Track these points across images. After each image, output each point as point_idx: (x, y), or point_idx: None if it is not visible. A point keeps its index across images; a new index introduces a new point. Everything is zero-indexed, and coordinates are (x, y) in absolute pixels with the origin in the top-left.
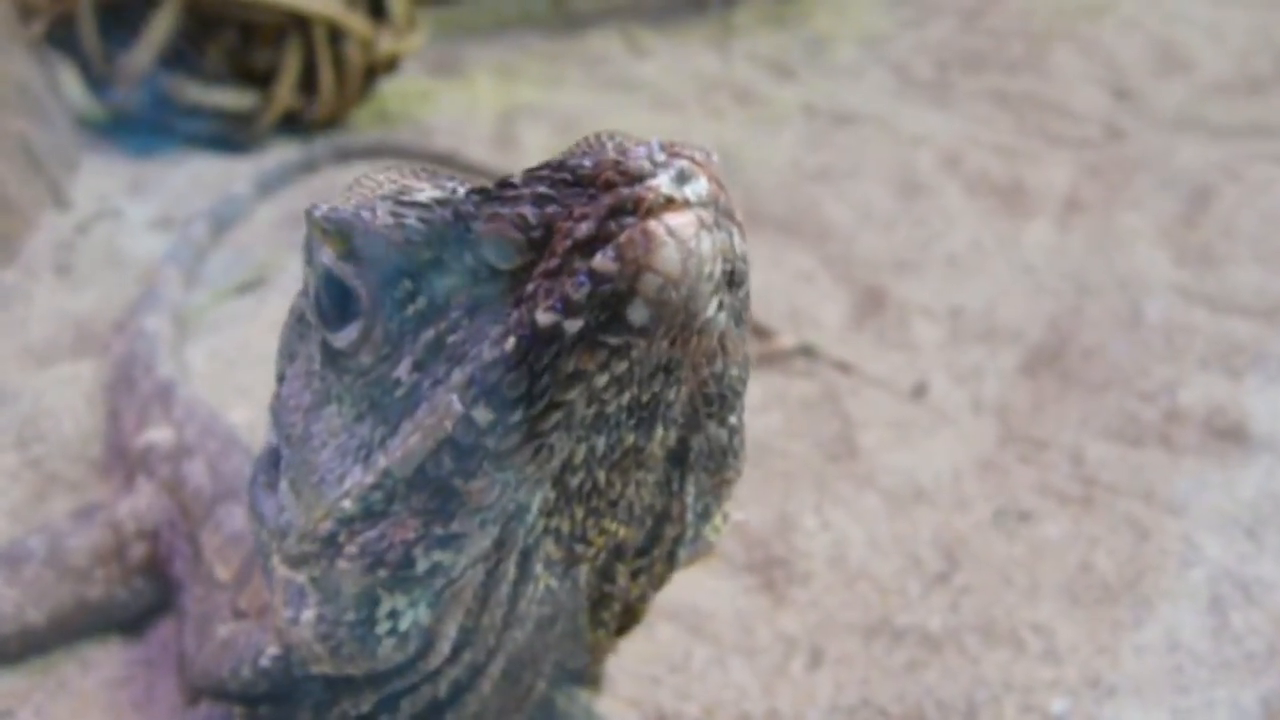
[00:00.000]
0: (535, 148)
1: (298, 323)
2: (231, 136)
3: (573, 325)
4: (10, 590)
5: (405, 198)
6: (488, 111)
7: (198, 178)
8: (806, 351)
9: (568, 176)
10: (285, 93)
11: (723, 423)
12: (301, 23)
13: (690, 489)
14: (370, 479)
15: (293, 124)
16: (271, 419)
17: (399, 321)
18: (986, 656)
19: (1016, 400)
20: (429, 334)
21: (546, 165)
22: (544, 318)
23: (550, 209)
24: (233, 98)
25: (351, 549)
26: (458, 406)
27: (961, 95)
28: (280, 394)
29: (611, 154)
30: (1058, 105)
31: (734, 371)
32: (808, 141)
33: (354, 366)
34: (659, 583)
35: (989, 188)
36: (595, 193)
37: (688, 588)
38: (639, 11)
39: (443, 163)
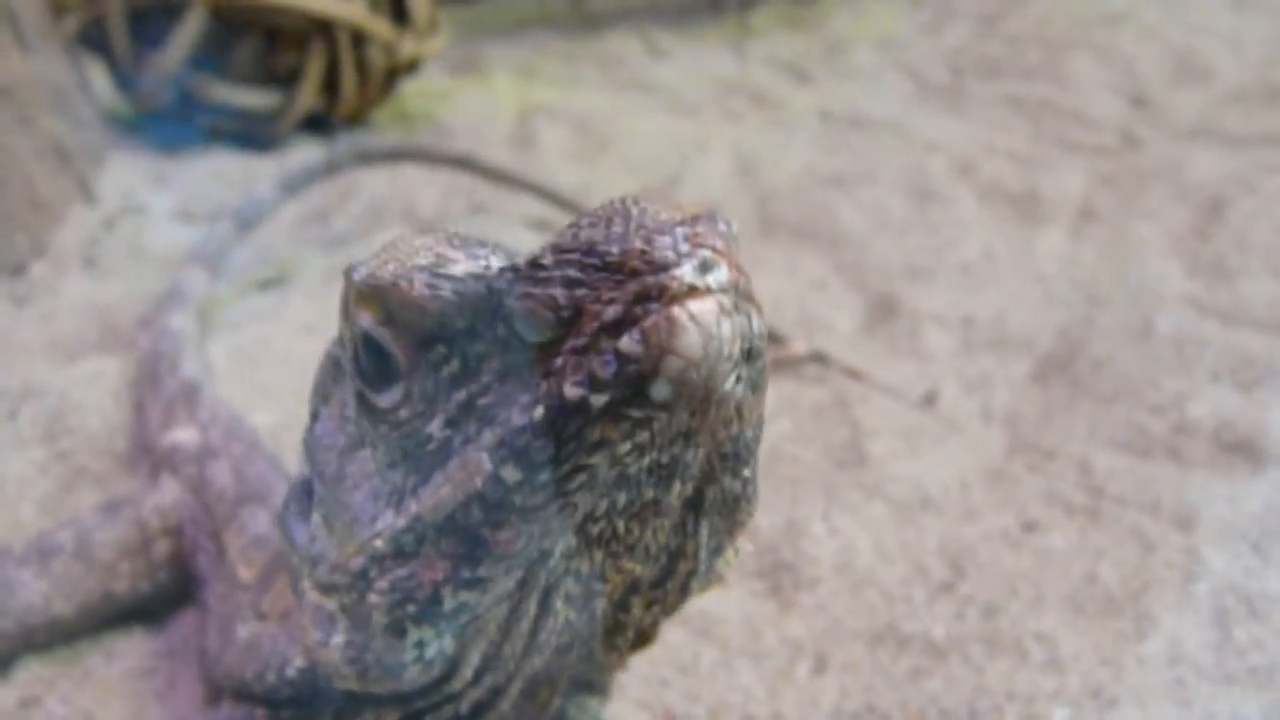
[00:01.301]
0: (553, 148)
1: (334, 367)
2: (255, 134)
3: (598, 400)
4: (40, 582)
5: (440, 270)
6: (506, 112)
7: (221, 174)
8: (818, 358)
9: (596, 262)
10: (308, 94)
11: (736, 475)
12: (326, 27)
13: (704, 531)
14: (402, 522)
15: (314, 123)
16: (304, 452)
17: (434, 381)
18: (990, 665)
19: (1026, 410)
20: (461, 395)
21: (576, 248)
22: (572, 391)
23: (579, 292)
24: (257, 98)
25: (382, 584)
26: (487, 465)
27: (977, 101)
28: (314, 431)
29: (638, 242)
30: (1074, 113)
31: (749, 433)
32: (823, 146)
33: (390, 419)
34: (671, 611)
35: (1003, 195)
36: (622, 278)
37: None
38: (656, 12)
39: (461, 165)
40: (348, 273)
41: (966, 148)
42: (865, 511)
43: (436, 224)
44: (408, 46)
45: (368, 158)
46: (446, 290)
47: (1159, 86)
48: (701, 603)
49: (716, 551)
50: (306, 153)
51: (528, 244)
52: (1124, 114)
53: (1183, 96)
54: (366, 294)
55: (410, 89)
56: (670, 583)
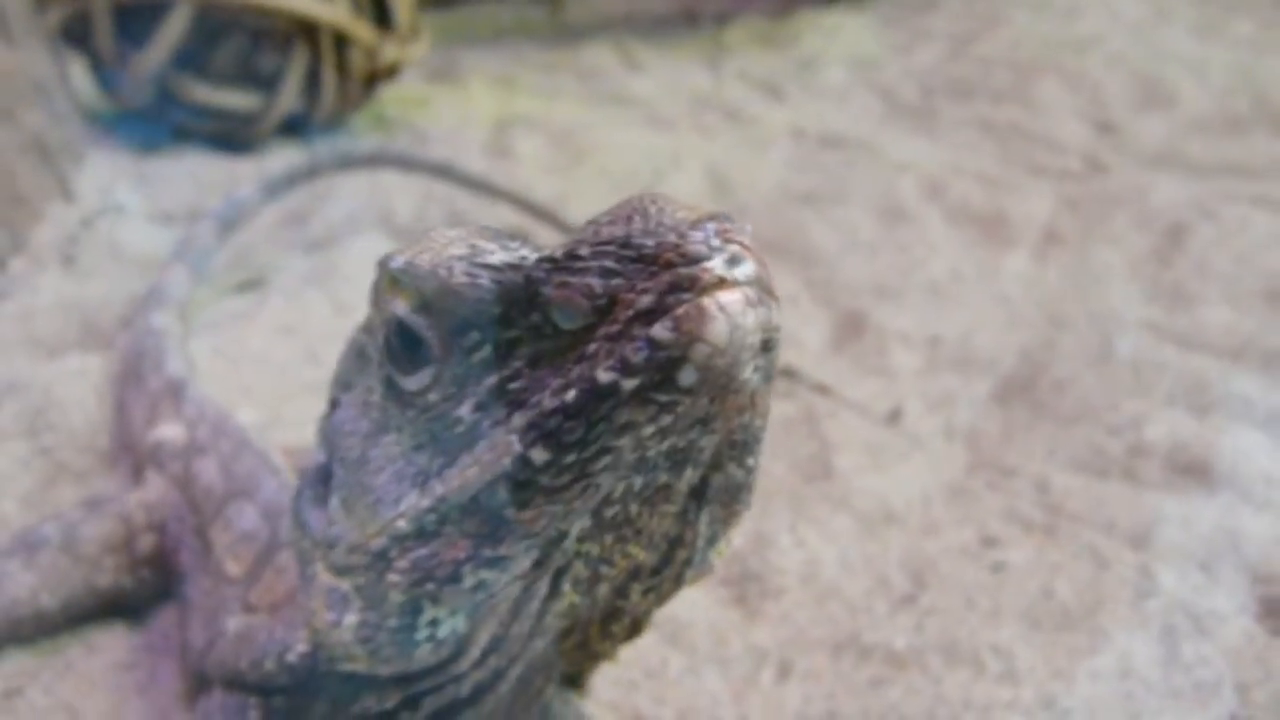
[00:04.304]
0: (529, 159)
1: (357, 356)
2: (233, 135)
3: (629, 384)
4: (27, 575)
5: (479, 259)
6: (483, 120)
7: (199, 175)
8: (787, 373)
9: (632, 254)
10: (288, 97)
11: (741, 464)
12: (309, 29)
13: (704, 519)
14: (426, 503)
15: (292, 126)
16: (321, 439)
17: (465, 367)
18: (948, 676)
19: (988, 428)
20: (492, 379)
21: (612, 240)
22: (604, 376)
23: (615, 281)
24: (237, 98)
25: (402, 564)
26: (517, 446)
27: (947, 123)
28: (334, 418)
29: (672, 237)
30: (1042, 137)
31: (758, 422)
32: (795, 164)
33: (419, 404)
34: (665, 599)
35: (970, 217)
36: (656, 270)
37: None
38: (633, 25)
39: (440, 173)
40: (383, 262)
41: (936, 168)
42: (831, 524)
43: (413, 230)
44: (390, 51)
45: (349, 162)
46: (485, 278)
47: (1125, 113)
48: (671, 609)
49: (711, 541)
50: (285, 155)
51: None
52: (1090, 139)
53: (1147, 123)
54: (404, 281)
55: (389, 95)
56: (668, 570)
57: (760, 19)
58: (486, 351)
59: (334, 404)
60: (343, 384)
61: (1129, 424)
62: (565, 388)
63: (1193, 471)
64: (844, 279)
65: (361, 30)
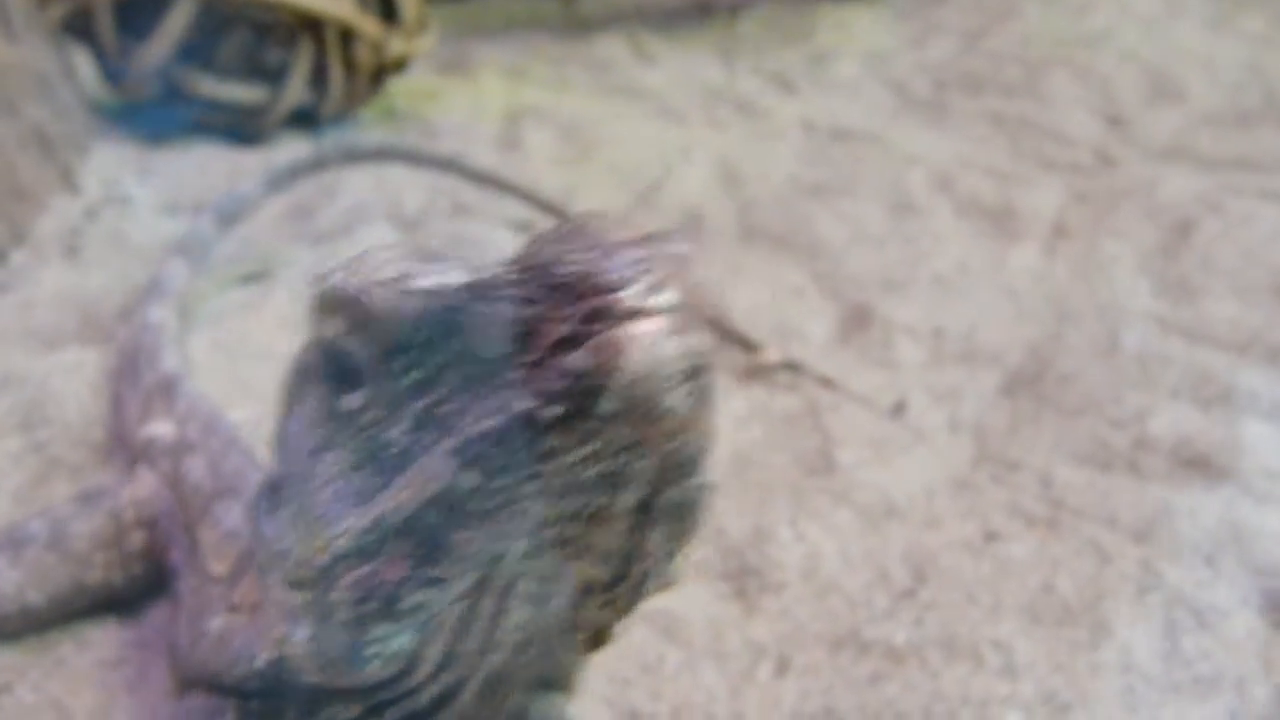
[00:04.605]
0: (539, 151)
1: (303, 371)
2: (241, 128)
3: (549, 412)
4: (13, 571)
5: (405, 283)
6: (494, 113)
7: (205, 167)
8: (791, 366)
9: (551, 282)
10: (295, 90)
11: (684, 486)
12: (314, 23)
13: (656, 537)
14: (365, 523)
15: (301, 118)
16: (276, 450)
17: (397, 389)
18: (946, 671)
19: (993, 422)
20: (422, 403)
21: (530, 268)
22: (524, 404)
23: (532, 310)
24: (244, 91)
25: (345, 582)
26: (445, 470)
27: (958, 116)
28: (286, 430)
29: (589, 265)
30: (1052, 130)
31: (694, 445)
32: (805, 157)
33: (355, 423)
34: (626, 612)
35: (979, 210)
36: (574, 298)
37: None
38: (646, 17)
39: (446, 167)
40: (314, 282)
41: (946, 162)
42: (832, 518)
43: (420, 223)
44: (396, 45)
45: (354, 156)
46: (409, 304)
47: (1135, 107)
48: (667, 604)
49: (669, 556)
50: (293, 148)
51: (511, 246)
52: (1100, 133)
53: (1158, 117)
54: (332, 304)
55: (398, 87)
56: (624, 585)
57: (774, 12)
58: (416, 375)
59: (286, 414)
60: (293, 395)
61: (1134, 417)
62: (488, 414)
63: (1197, 465)
64: (851, 271)
65: (367, 24)
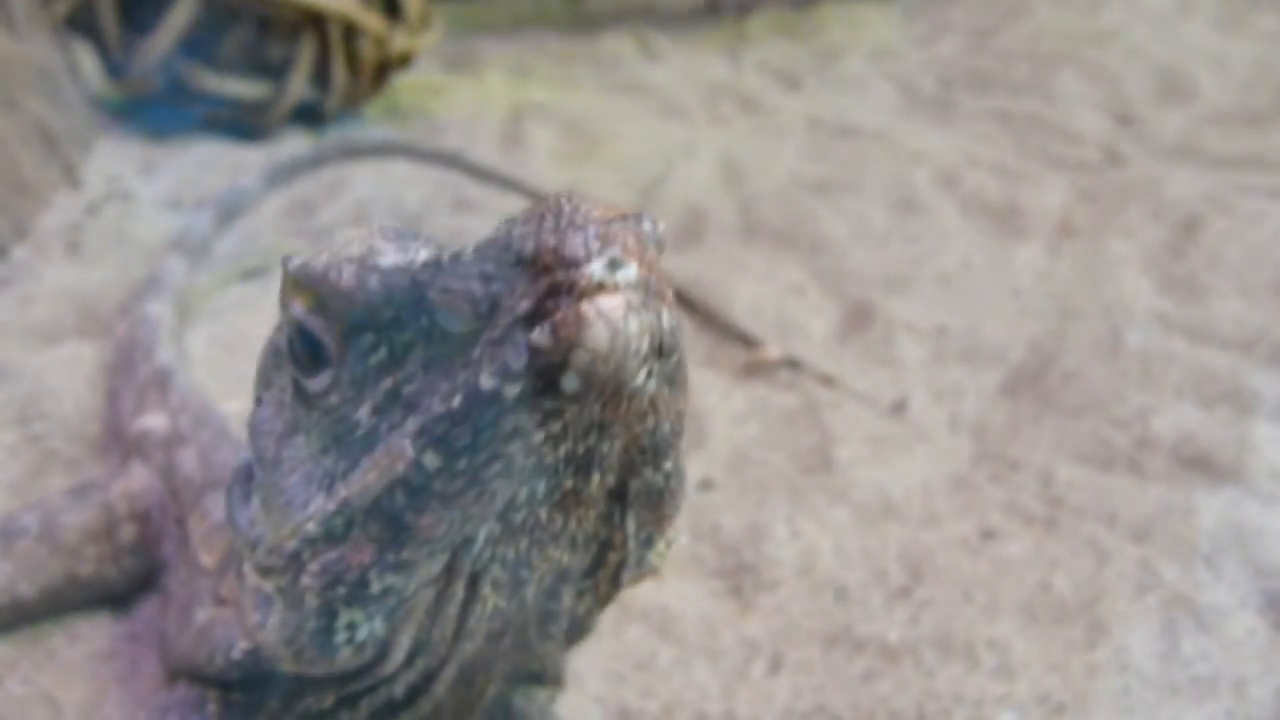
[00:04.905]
0: (542, 148)
1: (275, 355)
2: (244, 123)
3: (511, 390)
4: (4, 564)
5: (370, 261)
6: (498, 110)
7: (208, 162)
8: (791, 363)
9: (512, 258)
10: (298, 86)
11: (657, 469)
12: (317, 19)
13: (631, 523)
14: (332, 506)
15: (306, 114)
16: (248, 437)
17: (362, 370)
18: (941, 669)
19: (994, 420)
20: (388, 383)
21: (494, 244)
22: (487, 382)
23: (495, 286)
24: (247, 87)
25: (314, 567)
26: (409, 451)
27: (965, 114)
28: (257, 416)
29: (551, 240)
30: (1059, 128)
31: (665, 428)
32: (809, 153)
33: (322, 405)
34: (604, 602)
35: (984, 208)
36: (536, 274)
37: (658, 590)
38: (653, 15)
39: (447, 163)
40: (283, 262)
41: (951, 159)
42: (829, 516)
43: (422, 219)
44: (399, 40)
45: (354, 152)
46: (373, 281)
47: (1144, 105)
48: (662, 600)
49: (647, 543)
50: (296, 143)
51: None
52: (1108, 131)
53: (1166, 115)
54: (299, 283)
55: (404, 83)
56: (601, 572)
57: (783, 10)
58: (381, 354)
59: (257, 401)
60: (264, 382)
61: (1136, 416)
62: (452, 393)
63: (1199, 465)
64: (853, 269)
65: (370, 20)
